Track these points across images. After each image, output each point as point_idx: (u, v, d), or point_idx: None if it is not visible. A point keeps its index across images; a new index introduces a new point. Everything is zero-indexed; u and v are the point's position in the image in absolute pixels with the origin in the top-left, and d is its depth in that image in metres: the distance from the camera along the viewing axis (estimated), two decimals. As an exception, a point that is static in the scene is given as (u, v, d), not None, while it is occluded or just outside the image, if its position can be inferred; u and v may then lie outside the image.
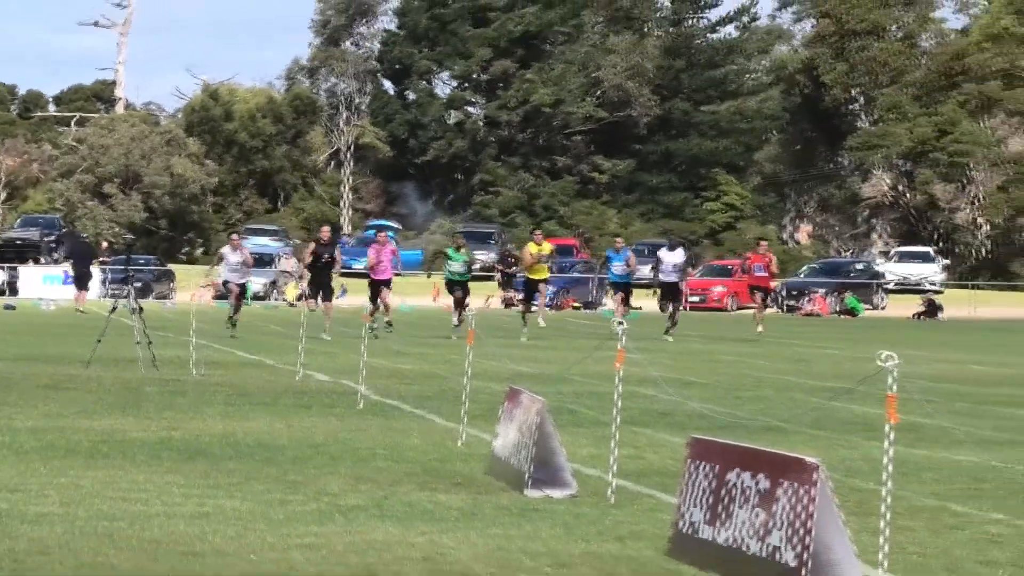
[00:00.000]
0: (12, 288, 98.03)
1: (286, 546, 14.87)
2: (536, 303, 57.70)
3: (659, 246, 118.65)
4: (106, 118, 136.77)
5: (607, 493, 18.08)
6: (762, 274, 61.33)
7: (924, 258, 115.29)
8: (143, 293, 48.00)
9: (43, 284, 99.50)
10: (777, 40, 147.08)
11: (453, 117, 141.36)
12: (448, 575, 13.73)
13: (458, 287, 57.08)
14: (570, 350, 47.54)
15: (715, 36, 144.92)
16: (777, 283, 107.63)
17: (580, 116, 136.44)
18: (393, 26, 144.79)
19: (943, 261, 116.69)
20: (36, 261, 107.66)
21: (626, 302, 58.94)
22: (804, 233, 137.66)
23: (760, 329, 59.69)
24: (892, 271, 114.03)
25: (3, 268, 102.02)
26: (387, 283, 54.82)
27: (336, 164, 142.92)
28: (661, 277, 58.02)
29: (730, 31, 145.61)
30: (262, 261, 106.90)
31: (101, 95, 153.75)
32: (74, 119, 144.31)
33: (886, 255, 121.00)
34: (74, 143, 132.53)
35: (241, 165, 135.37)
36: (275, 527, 15.93)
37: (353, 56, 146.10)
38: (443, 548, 14.94)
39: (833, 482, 13.06)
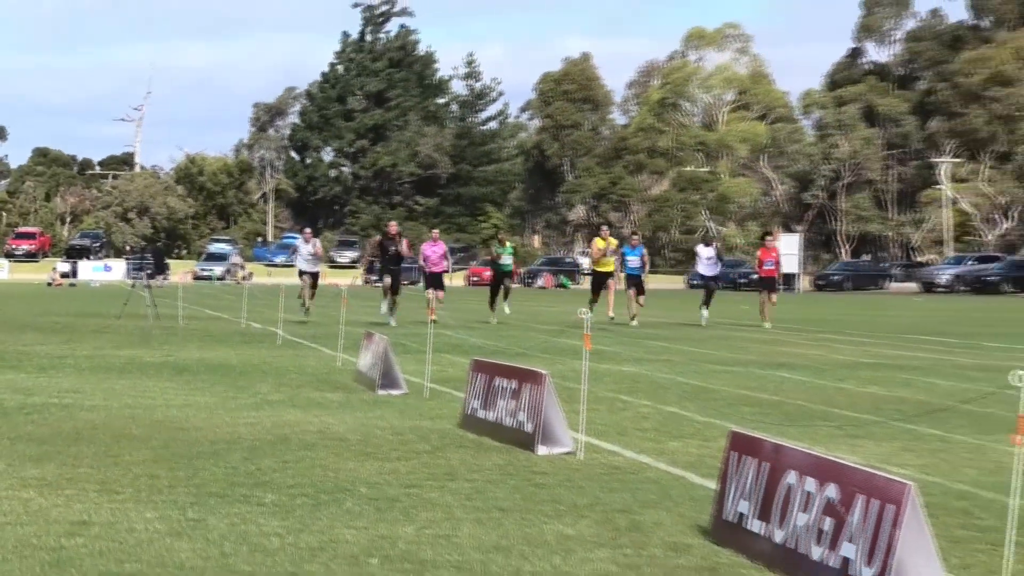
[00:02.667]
0: (74, 273, 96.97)
1: (236, 424, 14.76)
2: (606, 289, 38.73)
3: (455, 249, 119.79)
4: (129, 174, 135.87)
5: (424, 392, 18.05)
6: (771, 267, 40.60)
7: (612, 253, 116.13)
8: (151, 276, 47.45)
9: (92, 272, 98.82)
10: (520, 130, 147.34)
11: (333, 174, 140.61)
12: (331, 439, 13.64)
13: (507, 276, 40.81)
14: (403, 310, 47.41)
15: (484, 127, 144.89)
16: (522, 269, 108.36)
17: (407, 173, 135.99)
18: (298, 121, 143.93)
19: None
20: (88, 258, 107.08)
21: (640, 292, 39.33)
22: (536, 240, 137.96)
23: (768, 324, 39.00)
24: (586, 262, 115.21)
25: (69, 262, 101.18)
26: (439, 276, 38.62)
27: (264, 200, 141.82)
28: (700, 270, 41.72)
29: (494, 124, 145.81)
30: (220, 257, 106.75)
31: (126, 161, 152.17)
32: (111, 175, 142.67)
33: (583, 253, 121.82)
34: (110, 189, 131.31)
35: (208, 202, 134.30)
36: (229, 412, 15.82)
37: (274, 137, 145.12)
38: (328, 424, 14.86)
39: (554, 383, 13.07)
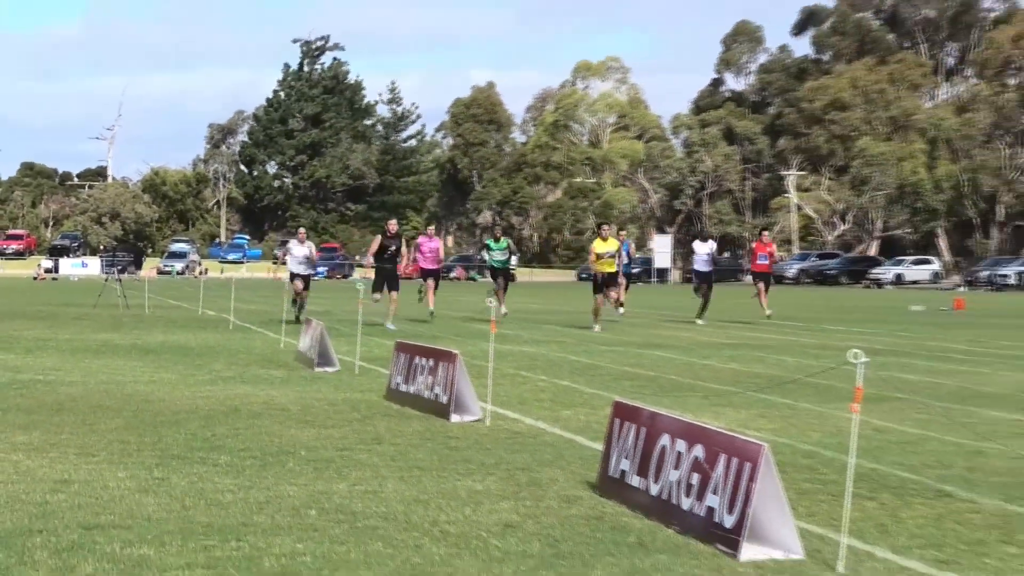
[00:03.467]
0: (56, 269, 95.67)
1: (195, 397, 14.64)
2: (615, 291, 30.74)
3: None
4: (103, 185, 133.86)
5: (355, 368, 17.99)
6: (765, 262, 34.71)
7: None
8: (122, 271, 46.92)
9: (72, 268, 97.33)
10: (436, 147, 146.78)
11: (276, 184, 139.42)
12: (275, 409, 13.57)
13: (500, 274, 33.59)
14: (337, 299, 47.20)
15: (406, 144, 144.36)
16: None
17: (340, 183, 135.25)
18: (246, 139, 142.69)
19: (518, 254, 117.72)
20: (68, 256, 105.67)
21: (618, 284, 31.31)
22: (451, 240, 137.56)
23: (768, 312, 34.75)
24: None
25: (52, 259, 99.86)
26: (435, 273, 32.50)
27: (218, 207, 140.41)
28: (695, 267, 34.82)
29: (413, 142, 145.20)
30: (180, 255, 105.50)
31: (101, 173, 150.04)
32: (87, 185, 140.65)
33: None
34: (87, 197, 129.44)
35: (170, 208, 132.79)
36: (189, 387, 15.69)
37: (226, 153, 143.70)
38: (272, 397, 14.78)
39: (465, 361, 13.08)
